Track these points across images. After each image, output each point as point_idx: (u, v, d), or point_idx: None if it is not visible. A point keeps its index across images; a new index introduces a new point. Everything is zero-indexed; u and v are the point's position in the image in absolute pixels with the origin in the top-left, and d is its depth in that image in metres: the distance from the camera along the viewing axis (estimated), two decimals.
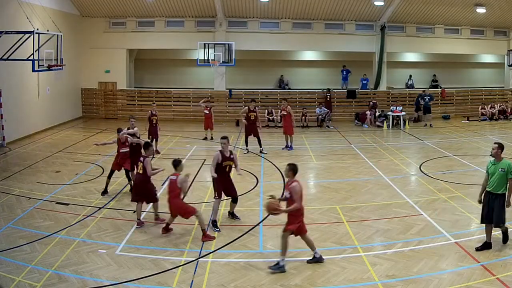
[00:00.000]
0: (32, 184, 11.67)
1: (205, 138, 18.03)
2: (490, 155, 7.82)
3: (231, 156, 9.09)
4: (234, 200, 9.29)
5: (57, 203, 10.23)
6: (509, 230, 7.92)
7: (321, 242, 8.20)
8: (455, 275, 6.85)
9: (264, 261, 7.45)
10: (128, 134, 11.12)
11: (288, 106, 16.16)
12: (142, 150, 9.43)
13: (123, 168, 11.02)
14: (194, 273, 7.09)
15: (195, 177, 12.35)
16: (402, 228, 8.77)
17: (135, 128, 11.56)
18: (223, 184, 9.03)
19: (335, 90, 23.82)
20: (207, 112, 17.94)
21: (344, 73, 24.47)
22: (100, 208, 9.94)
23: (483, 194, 7.83)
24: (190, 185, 11.57)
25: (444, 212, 9.56)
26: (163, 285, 6.71)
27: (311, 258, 7.40)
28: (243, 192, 11.08)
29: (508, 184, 7.53)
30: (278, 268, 7.08)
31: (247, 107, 15.71)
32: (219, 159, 8.93)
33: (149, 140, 14.45)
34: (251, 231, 8.72)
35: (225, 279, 6.86)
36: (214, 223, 8.87)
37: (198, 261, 7.43)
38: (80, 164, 13.71)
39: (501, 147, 7.70)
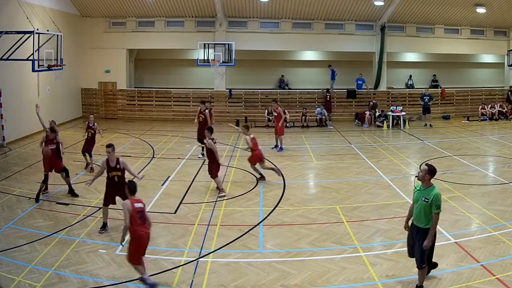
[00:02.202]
0: (32, 184, 11.64)
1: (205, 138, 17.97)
2: (417, 177, 6.38)
3: (117, 166, 8.58)
4: None
5: (57, 203, 10.23)
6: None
7: (321, 242, 8.21)
8: (455, 275, 6.85)
9: (264, 261, 7.45)
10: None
11: (279, 108, 16.04)
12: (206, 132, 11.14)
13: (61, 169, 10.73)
14: (194, 273, 7.08)
15: (194, 177, 12.33)
16: (402, 228, 8.71)
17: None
18: (116, 195, 8.60)
19: (335, 90, 23.83)
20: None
21: (331, 73, 24.35)
22: (100, 208, 9.90)
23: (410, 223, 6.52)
24: (190, 185, 11.61)
25: (444, 212, 9.37)
26: (163, 285, 6.70)
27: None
28: (243, 192, 11.11)
29: (433, 218, 6.08)
30: (150, 285, 6.52)
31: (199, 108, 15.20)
32: (105, 168, 8.57)
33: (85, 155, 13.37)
34: (251, 231, 8.71)
35: (225, 279, 6.86)
36: (104, 225, 8.72)
37: (198, 261, 7.42)
38: (80, 164, 13.70)
39: (431, 171, 6.20)
